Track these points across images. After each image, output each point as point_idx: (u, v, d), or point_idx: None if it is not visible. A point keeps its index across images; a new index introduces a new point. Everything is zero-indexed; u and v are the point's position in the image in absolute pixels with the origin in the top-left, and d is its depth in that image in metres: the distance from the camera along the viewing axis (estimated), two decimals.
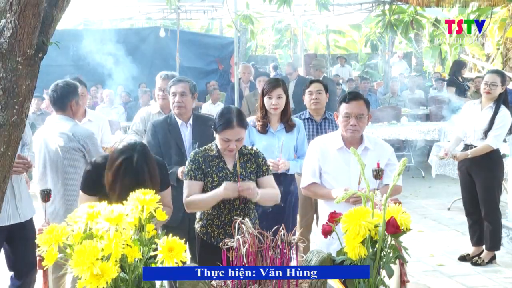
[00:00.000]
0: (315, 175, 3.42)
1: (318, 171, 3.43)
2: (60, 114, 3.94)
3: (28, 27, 1.93)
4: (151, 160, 2.75)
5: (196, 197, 3.11)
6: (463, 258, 5.35)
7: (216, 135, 3.18)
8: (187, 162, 3.22)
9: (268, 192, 3.19)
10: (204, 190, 3.15)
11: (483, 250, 5.31)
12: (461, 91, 9.65)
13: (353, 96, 3.40)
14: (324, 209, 3.42)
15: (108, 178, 2.69)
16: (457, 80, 9.82)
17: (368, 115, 3.42)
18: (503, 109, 5.04)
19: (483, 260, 5.20)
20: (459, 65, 10.41)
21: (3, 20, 1.91)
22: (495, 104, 5.06)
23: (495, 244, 5.24)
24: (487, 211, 5.21)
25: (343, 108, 3.37)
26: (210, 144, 3.27)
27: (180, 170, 3.74)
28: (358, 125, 3.33)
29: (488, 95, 5.09)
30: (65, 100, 3.94)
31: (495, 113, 5.04)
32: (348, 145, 3.31)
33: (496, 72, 5.28)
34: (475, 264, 5.20)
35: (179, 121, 3.96)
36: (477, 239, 5.36)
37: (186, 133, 3.96)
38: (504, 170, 5.35)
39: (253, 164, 3.26)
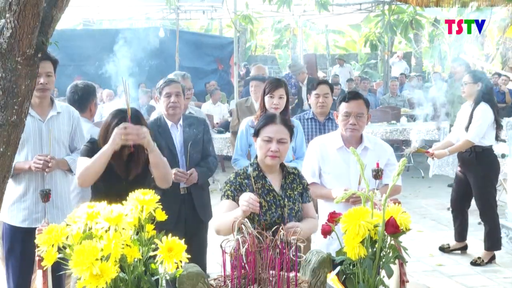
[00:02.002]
0: (315, 175, 3.43)
1: (318, 171, 3.43)
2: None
3: (27, 27, 1.92)
4: (143, 119, 3.05)
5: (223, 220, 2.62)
6: (442, 249, 5.50)
7: (257, 141, 2.82)
8: (224, 184, 2.81)
9: (309, 228, 2.84)
10: (252, 218, 2.60)
11: (465, 245, 5.44)
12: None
13: (353, 95, 3.43)
14: (324, 209, 3.42)
15: (102, 135, 2.99)
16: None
17: (368, 115, 3.43)
18: (481, 105, 5.10)
19: (483, 260, 5.21)
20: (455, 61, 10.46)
21: (3, 20, 1.91)
22: (474, 101, 5.16)
23: (493, 244, 5.26)
24: (482, 211, 5.28)
25: (343, 107, 3.38)
26: (246, 165, 2.84)
27: (174, 172, 3.69)
28: (358, 124, 3.34)
29: (463, 94, 5.32)
30: (86, 101, 4.05)
31: (473, 109, 5.14)
32: (347, 145, 3.32)
33: (468, 72, 5.48)
34: (474, 264, 5.22)
35: (169, 123, 3.88)
36: (458, 235, 5.54)
37: (177, 134, 3.89)
38: (499, 169, 5.40)
39: (299, 186, 2.90)
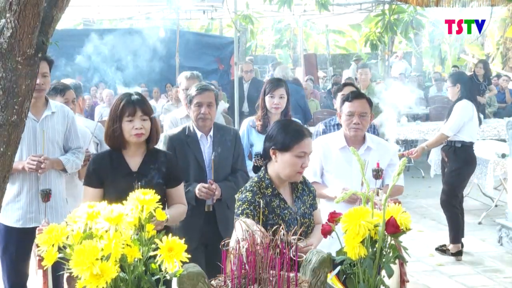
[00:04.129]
0: (316, 174, 3.43)
1: (320, 171, 3.44)
2: None
3: (27, 27, 1.92)
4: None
5: None
6: (441, 247, 5.51)
7: (286, 156, 2.61)
8: (239, 202, 2.61)
9: (319, 239, 2.65)
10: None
11: (461, 244, 5.47)
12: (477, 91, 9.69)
13: (356, 95, 3.45)
14: (324, 208, 3.42)
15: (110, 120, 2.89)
16: (475, 79, 9.85)
17: (371, 114, 3.45)
18: (461, 101, 5.26)
19: (448, 250, 5.38)
20: (477, 64, 10.52)
21: (3, 20, 1.91)
22: (456, 100, 5.36)
23: (453, 237, 5.41)
24: (442, 203, 5.48)
25: (346, 107, 3.41)
26: (255, 180, 2.67)
27: (198, 188, 3.39)
28: (361, 123, 3.36)
29: (449, 97, 5.59)
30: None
31: (453, 105, 5.34)
32: (350, 145, 3.33)
33: (449, 76, 5.83)
34: (438, 250, 5.43)
35: (199, 133, 3.52)
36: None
37: (206, 146, 3.53)
38: (473, 167, 5.54)
39: (309, 196, 2.81)
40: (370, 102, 3.45)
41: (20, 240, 3.41)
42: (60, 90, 3.97)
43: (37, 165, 3.28)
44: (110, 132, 2.87)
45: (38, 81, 3.27)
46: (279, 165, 2.63)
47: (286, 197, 2.68)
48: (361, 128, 3.37)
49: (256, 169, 2.82)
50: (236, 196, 2.69)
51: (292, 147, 2.59)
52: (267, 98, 4.08)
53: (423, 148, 5.52)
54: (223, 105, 10.81)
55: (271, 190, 2.62)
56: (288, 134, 2.62)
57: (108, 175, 2.88)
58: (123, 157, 2.91)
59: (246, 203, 2.56)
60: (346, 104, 3.41)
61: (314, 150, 3.48)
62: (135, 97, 2.90)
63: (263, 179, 2.65)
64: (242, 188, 2.70)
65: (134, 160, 2.91)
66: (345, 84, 4.65)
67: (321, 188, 3.40)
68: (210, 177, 3.46)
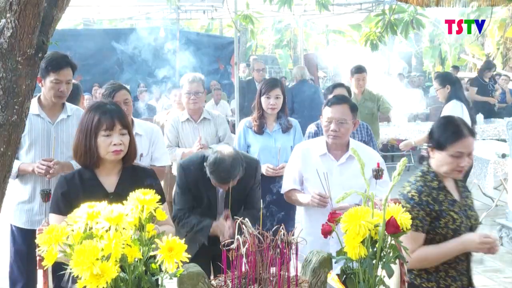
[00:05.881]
0: (296, 181, 3.30)
1: (299, 178, 3.29)
2: None
3: (28, 27, 1.93)
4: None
5: (430, 251, 2.53)
6: None
7: (442, 154, 2.59)
8: (407, 205, 2.53)
9: None
10: (438, 234, 2.57)
11: None
12: (485, 91, 9.82)
13: (336, 100, 3.26)
14: (304, 216, 3.34)
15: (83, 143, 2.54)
16: (481, 80, 9.95)
17: (354, 120, 3.23)
18: (451, 102, 5.34)
19: None
20: (486, 66, 10.59)
21: (3, 20, 1.91)
22: (445, 101, 5.46)
23: None
24: None
25: (326, 112, 3.22)
26: (419, 175, 2.67)
27: (217, 224, 3.06)
28: (340, 130, 3.15)
29: (439, 99, 5.71)
30: (76, 98, 4.21)
31: (443, 106, 5.44)
32: (332, 152, 3.21)
33: (435, 77, 5.91)
34: None
35: None
36: None
37: (221, 189, 3.19)
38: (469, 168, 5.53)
39: (469, 193, 2.81)
40: (353, 108, 3.23)
41: (31, 243, 3.41)
42: (109, 94, 3.73)
43: (46, 170, 3.28)
44: (82, 149, 2.51)
45: (62, 88, 3.34)
46: (436, 162, 2.63)
47: (452, 191, 2.66)
48: (339, 136, 3.14)
49: (421, 159, 2.81)
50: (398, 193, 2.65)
51: (446, 147, 2.57)
52: (263, 98, 4.08)
53: (411, 143, 5.70)
54: (227, 108, 10.82)
55: (437, 183, 2.61)
56: (445, 133, 2.60)
57: (80, 198, 2.36)
58: (96, 177, 2.55)
59: (416, 208, 2.53)
60: (326, 109, 3.20)
61: (293, 156, 3.32)
62: (111, 107, 2.55)
63: (427, 173, 2.65)
64: (406, 183, 2.68)
65: (109, 180, 2.56)
66: (336, 86, 4.53)
67: (295, 195, 3.26)
68: (221, 211, 3.18)
